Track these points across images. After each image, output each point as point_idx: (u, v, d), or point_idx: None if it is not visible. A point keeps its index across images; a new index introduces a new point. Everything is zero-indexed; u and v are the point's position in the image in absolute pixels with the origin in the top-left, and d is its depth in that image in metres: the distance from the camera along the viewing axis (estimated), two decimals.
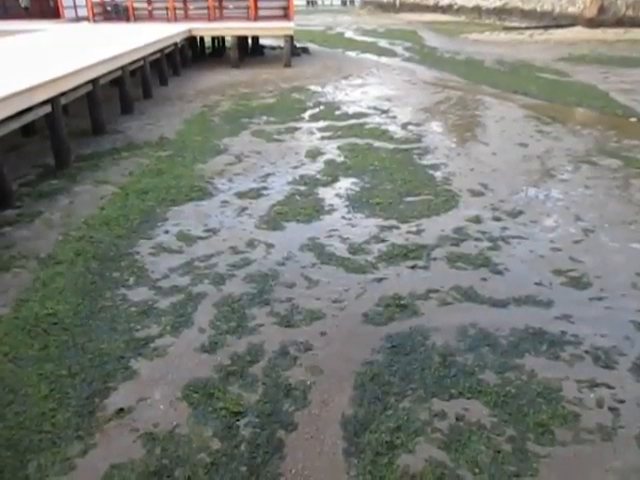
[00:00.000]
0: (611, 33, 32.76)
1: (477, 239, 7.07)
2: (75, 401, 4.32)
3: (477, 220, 7.62)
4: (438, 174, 9.47)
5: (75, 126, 11.92)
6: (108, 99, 13.09)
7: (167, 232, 7.36)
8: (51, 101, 9.36)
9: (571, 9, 38.16)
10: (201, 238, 7.18)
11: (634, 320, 5.38)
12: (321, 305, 5.63)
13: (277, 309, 5.55)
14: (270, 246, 6.91)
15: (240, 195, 8.58)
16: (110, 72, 12.49)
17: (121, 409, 4.25)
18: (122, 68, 13.28)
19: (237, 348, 4.96)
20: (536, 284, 6.03)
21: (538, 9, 42.20)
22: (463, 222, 7.56)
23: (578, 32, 33.98)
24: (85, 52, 12.98)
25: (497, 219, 7.70)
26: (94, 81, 11.44)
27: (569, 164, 10.15)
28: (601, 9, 34.75)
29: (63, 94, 9.87)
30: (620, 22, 34.39)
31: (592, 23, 34.56)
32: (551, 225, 7.58)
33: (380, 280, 6.09)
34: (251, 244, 6.97)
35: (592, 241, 7.08)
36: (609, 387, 4.46)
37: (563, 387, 4.44)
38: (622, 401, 4.31)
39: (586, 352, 4.90)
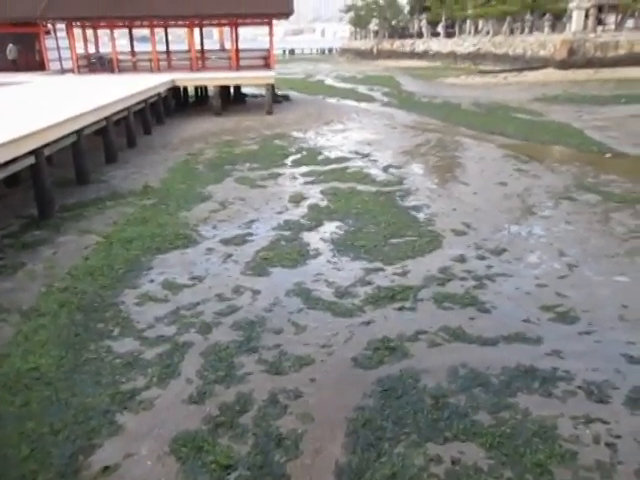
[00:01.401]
0: (582, 73, 34.04)
1: (463, 278, 7.10)
2: (58, 460, 4.15)
3: (462, 259, 7.68)
4: (421, 215, 9.58)
5: (59, 176, 11.94)
6: (92, 148, 13.17)
7: (152, 281, 7.28)
8: (35, 152, 9.39)
9: (542, 52, 39.73)
10: (187, 286, 7.12)
11: (624, 353, 5.38)
12: (310, 351, 5.56)
13: (265, 356, 5.47)
14: (256, 292, 6.87)
15: (225, 242, 8.57)
16: (94, 122, 12.62)
17: (107, 467, 4.10)
18: (106, 118, 13.43)
19: (226, 398, 4.85)
20: (524, 321, 6.03)
21: (510, 53, 43.85)
22: (448, 262, 7.60)
23: (550, 73, 35.28)
24: (70, 103, 13.14)
25: (481, 257, 7.76)
26: (78, 132, 11.53)
27: (549, 201, 10.35)
28: (570, 51, 36.21)
29: (47, 145, 9.92)
30: (589, 63, 35.83)
31: (563, 65, 35.95)
32: (535, 261, 7.66)
33: (368, 323, 6.06)
34: (237, 291, 6.92)
35: (577, 276, 7.15)
36: (604, 422, 4.42)
37: (558, 425, 4.39)
38: (618, 436, 4.26)
39: (579, 387, 4.86)
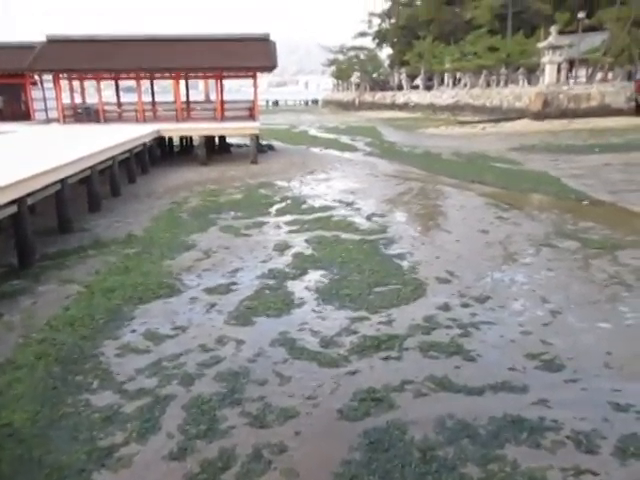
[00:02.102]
0: (557, 124, 35.28)
1: (447, 327, 7.09)
2: None
3: (446, 307, 7.69)
4: (405, 263, 9.63)
5: (42, 224, 11.85)
6: (76, 197, 13.15)
7: (134, 331, 7.16)
8: (18, 201, 9.35)
9: (518, 104, 41.21)
10: (169, 336, 7.00)
11: (611, 401, 5.36)
12: (294, 402, 5.45)
13: (249, 409, 5.35)
14: (240, 342, 6.77)
15: (209, 291, 8.50)
16: (79, 172, 12.66)
17: None
18: (91, 168, 13.49)
19: (208, 454, 4.69)
20: (510, 369, 6.01)
21: (488, 104, 45.39)
22: (433, 310, 7.60)
23: (526, 124, 36.52)
24: (54, 152, 13.20)
25: (465, 305, 7.78)
26: (62, 181, 11.54)
27: (530, 248, 10.49)
28: (545, 103, 37.61)
29: (30, 194, 9.89)
30: (563, 114, 37.22)
31: (538, 116, 37.28)
32: (519, 309, 7.69)
33: (353, 373, 5.98)
34: (221, 341, 6.82)
35: (560, 323, 7.18)
36: (594, 474, 4.35)
37: (548, 477, 4.31)
38: None
39: (567, 437, 4.81)
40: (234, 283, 8.82)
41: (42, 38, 26.02)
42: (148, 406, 5.42)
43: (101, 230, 12.15)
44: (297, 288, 8.55)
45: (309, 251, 10.38)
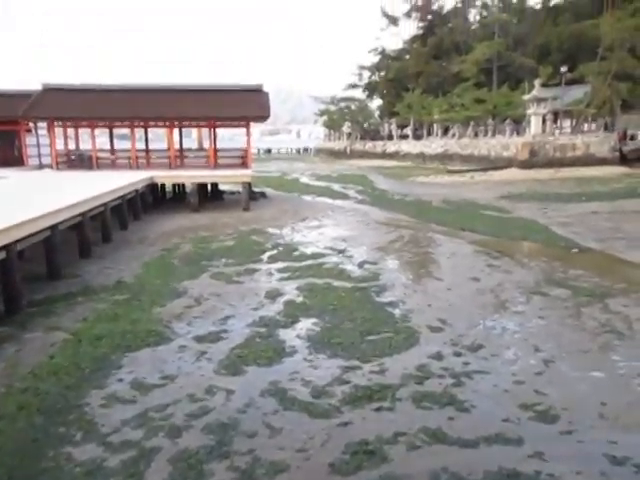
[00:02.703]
0: (544, 173, 36.00)
1: (440, 376, 7.00)
2: None
3: (439, 356, 7.61)
4: (397, 311, 9.59)
5: (30, 270, 11.74)
6: (66, 243, 13.08)
7: (121, 380, 7.00)
8: (6, 248, 9.29)
9: (505, 153, 42.11)
10: (157, 386, 6.85)
11: (607, 453, 5.26)
12: (285, 455, 5.30)
13: (238, 462, 5.19)
14: (230, 392, 6.63)
15: (199, 339, 8.38)
16: (70, 218, 12.65)
17: None
18: (82, 214, 13.49)
19: None
20: (504, 420, 5.90)
21: (476, 154, 46.34)
22: (425, 359, 7.52)
23: (514, 173, 37.22)
24: (46, 198, 13.21)
25: (458, 354, 7.71)
26: (53, 227, 11.51)
27: (521, 296, 10.51)
28: (532, 152, 38.49)
29: (19, 240, 9.84)
30: (550, 163, 38.07)
31: (525, 164, 38.07)
32: (511, 358, 7.63)
33: (345, 425, 5.85)
34: (210, 391, 6.68)
35: (553, 372, 7.11)
36: None
37: None
38: None
39: None
40: (225, 331, 8.72)
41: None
42: (133, 459, 5.24)
43: (91, 276, 12.05)
44: (288, 336, 8.46)
45: (301, 298, 10.32)
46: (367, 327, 8.72)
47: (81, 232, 13.96)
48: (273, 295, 10.57)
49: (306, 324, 8.97)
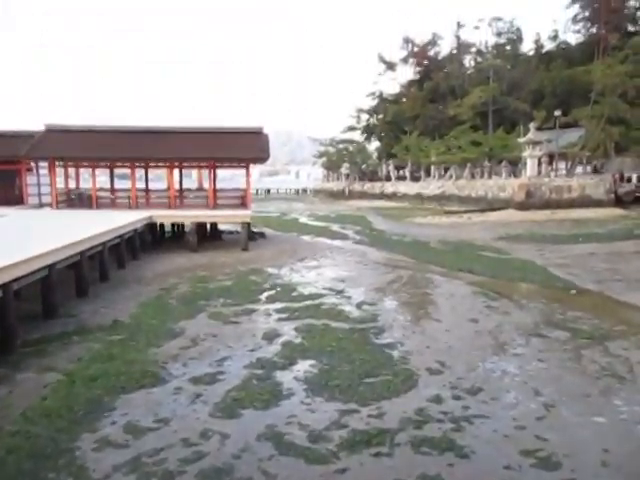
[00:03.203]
0: (540, 214, 36.25)
1: (439, 420, 6.89)
2: None
3: (438, 400, 7.50)
4: (395, 353, 9.50)
5: (26, 309, 11.65)
6: (63, 282, 13.03)
7: (114, 423, 6.87)
8: (3, 287, 9.25)
9: (502, 194, 42.51)
10: (151, 429, 6.71)
11: None
12: None
13: None
14: (225, 436, 6.50)
15: (194, 380, 8.27)
16: (68, 257, 12.64)
17: None
18: (80, 253, 13.50)
19: None
20: (505, 468, 5.78)
21: (473, 195, 46.77)
22: (424, 402, 7.41)
23: (511, 214, 37.47)
24: (44, 237, 13.23)
25: (457, 398, 7.60)
26: (50, 266, 11.49)
27: (520, 338, 10.43)
28: (528, 193, 38.86)
29: (16, 279, 9.81)
30: (546, 204, 38.40)
31: (522, 206, 38.37)
32: (511, 402, 7.52)
33: (343, 471, 5.71)
34: (205, 435, 6.55)
35: (554, 417, 7.00)
36: None
37: None
38: None
39: None
40: (221, 372, 8.61)
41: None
42: None
43: (87, 316, 11.96)
44: (286, 378, 8.35)
45: (298, 340, 10.23)
46: (365, 369, 8.62)
47: (78, 271, 13.92)
48: (271, 336, 10.48)
49: (304, 366, 8.87)
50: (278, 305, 12.96)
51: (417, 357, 9.30)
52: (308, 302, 13.20)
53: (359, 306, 12.90)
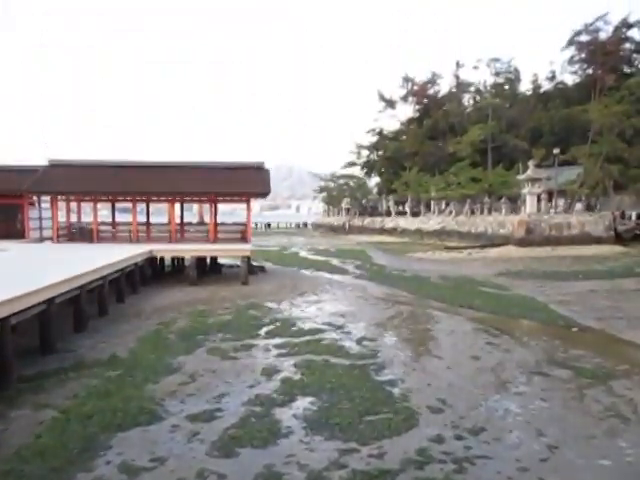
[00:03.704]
0: (541, 250, 36.29)
1: (441, 461, 6.74)
2: None
3: (439, 439, 7.36)
4: (396, 390, 9.37)
5: (23, 343, 11.55)
6: (61, 315, 12.95)
7: (108, 463, 6.72)
8: (0, 321, 9.19)
9: (502, 231, 42.65)
10: (146, 469, 6.57)
11: None
12: None
13: None
14: (222, 477, 6.35)
15: (192, 418, 8.13)
16: (67, 292, 12.60)
17: None
18: (80, 287, 13.46)
19: None
20: None
21: (473, 231, 46.92)
22: (425, 442, 7.27)
23: (511, 250, 37.52)
24: (44, 272, 13.22)
25: (459, 437, 7.46)
26: (49, 301, 11.44)
27: (522, 376, 10.31)
28: (528, 230, 38.97)
29: (14, 314, 9.75)
30: (546, 241, 38.48)
31: (522, 242, 38.44)
32: (514, 442, 7.38)
33: None
34: (201, 475, 6.40)
35: (558, 458, 6.86)
36: None
37: None
38: None
39: None
40: (219, 409, 8.47)
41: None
42: None
43: (85, 351, 11.84)
44: (285, 416, 8.22)
45: (298, 376, 10.11)
46: (366, 407, 8.49)
47: (77, 305, 13.85)
48: (270, 372, 10.36)
49: (303, 403, 8.74)
50: (278, 340, 12.86)
51: (418, 395, 9.16)
52: (308, 337, 13.10)
53: (359, 342, 12.79)
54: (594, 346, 12.66)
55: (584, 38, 62.52)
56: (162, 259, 27.16)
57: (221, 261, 29.35)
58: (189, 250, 23.89)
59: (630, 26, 61.37)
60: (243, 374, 10.30)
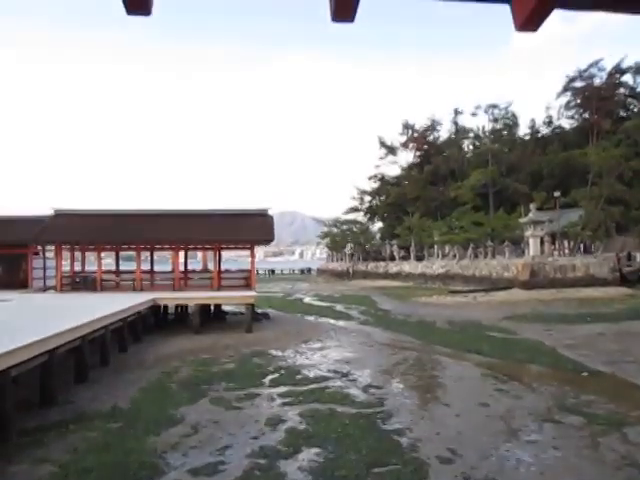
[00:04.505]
0: (546, 293, 35.98)
1: None
2: None
3: None
4: (404, 440, 9.12)
5: (22, 395, 11.34)
6: (63, 365, 12.79)
7: None
8: (1, 374, 9.05)
9: (506, 274, 42.44)
10: None
11: None
12: None
13: None
14: None
15: (194, 472, 7.89)
16: (68, 342, 12.46)
17: None
18: (82, 338, 13.33)
19: None
20: None
21: (477, 274, 46.73)
22: None
23: (516, 293, 37.22)
24: (46, 322, 13.12)
25: None
26: (50, 352, 11.30)
27: (533, 423, 10.04)
28: (532, 273, 38.76)
29: (15, 366, 9.61)
30: (551, 283, 38.20)
31: (527, 285, 38.17)
32: None
33: None
34: None
35: None
36: None
37: None
38: None
39: None
40: (222, 462, 8.24)
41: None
42: None
43: (85, 402, 11.63)
44: (289, 468, 7.97)
45: (303, 426, 9.87)
46: (373, 458, 8.24)
47: (79, 356, 13.67)
48: (274, 422, 10.12)
49: (309, 454, 8.49)
50: (282, 389, 12.62)
51: (427, 444, 8.91)
52: (313, 386, 12.87)
53: (365, 389, 12.54)
54: (605, 391, 12.37)
55: (579, 84, 64.04)
56: (165, 307, 27.03)
57: (225, 308, 29.18)
58: (192, 298, 23.77)
59: (623, 72, 62.95)
60: (247, 425, 10.06)
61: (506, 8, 2.51)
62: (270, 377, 13.90)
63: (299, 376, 13.94)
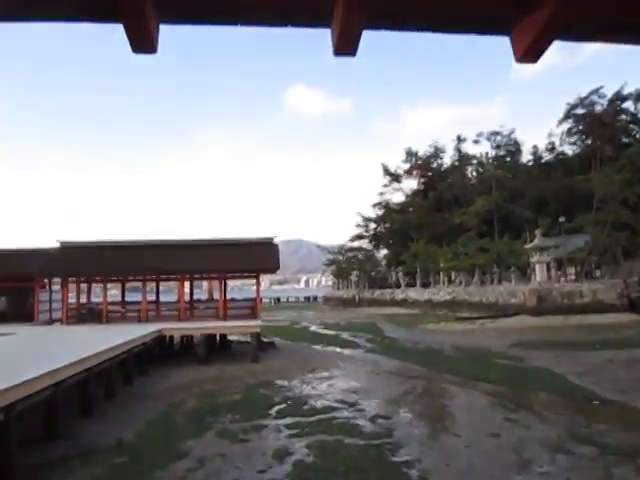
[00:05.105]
0: (553, 320, 35.61)
1: None
2: None
3: None
4: (413, 472, 8.96)
5: (27, 430, 11.24)
6: (67, 398, 12.69)
7: None
8: (5, 409, 8.93)
9: (513, 300, 42.17)
10: None
11: None
12: None
13: None
14: None
15: None
16: (73, 375, 12.37)
17: None
18: (87, 370, 13.25)
19: None
20: None
21: (484, 301, 46.44)
22: None
23: (524, 320, 36.88)
24: (51, 356, 13.06)
25: None
26: (55, 385, 11.20)
27: (545, 454, 9.85)
28: (539, 299, 38.48)
29: (20, 400, 9.53)
30: (559, 309, 37.85)
31: (534, 311, 37.85)
32: None
33: None
34: None
35: None
36: None
37: None
38: None
39: None
40: None
41: None
42: None
43: (90, 437, 11.51)
44: None
45: (310, 458, 9.72)
46: None
47: (84, 389, 13.55)
48: (281, 455, 9.98)
49: None
50: (289, 420, 12.48)
51: (437, 476, 8.76)
52: (320, 416, 12.71)
53: (373, 420, 12.38)
54: (617, 420, 12.15)
55: (580, 111, 64.57)
56: (171, 337, 26.92)
57: (231, 337, 29.03)
58: (199, 328, 23.69)
59: (624, 99, 63.53)
60: (253, 457, 9.93)
61: (506, 40, 2.57)
62: (276, 408, 13.75)
63: (306, 407, 13.79)
